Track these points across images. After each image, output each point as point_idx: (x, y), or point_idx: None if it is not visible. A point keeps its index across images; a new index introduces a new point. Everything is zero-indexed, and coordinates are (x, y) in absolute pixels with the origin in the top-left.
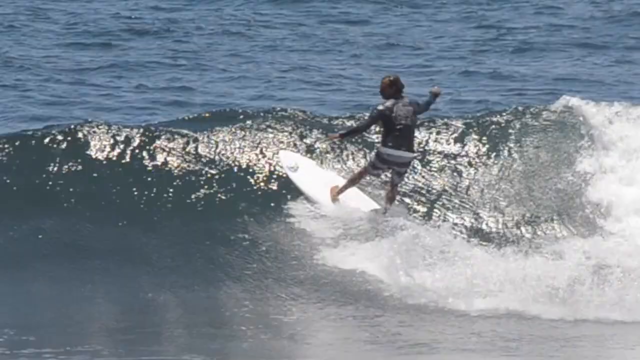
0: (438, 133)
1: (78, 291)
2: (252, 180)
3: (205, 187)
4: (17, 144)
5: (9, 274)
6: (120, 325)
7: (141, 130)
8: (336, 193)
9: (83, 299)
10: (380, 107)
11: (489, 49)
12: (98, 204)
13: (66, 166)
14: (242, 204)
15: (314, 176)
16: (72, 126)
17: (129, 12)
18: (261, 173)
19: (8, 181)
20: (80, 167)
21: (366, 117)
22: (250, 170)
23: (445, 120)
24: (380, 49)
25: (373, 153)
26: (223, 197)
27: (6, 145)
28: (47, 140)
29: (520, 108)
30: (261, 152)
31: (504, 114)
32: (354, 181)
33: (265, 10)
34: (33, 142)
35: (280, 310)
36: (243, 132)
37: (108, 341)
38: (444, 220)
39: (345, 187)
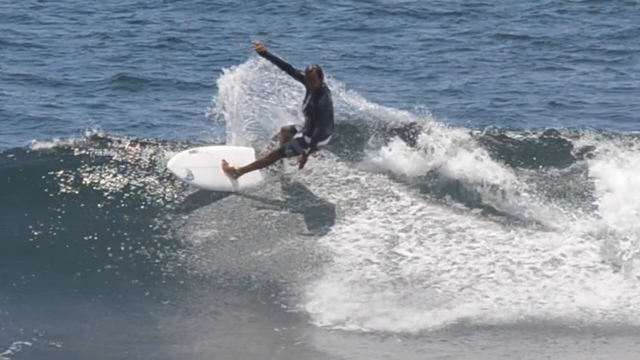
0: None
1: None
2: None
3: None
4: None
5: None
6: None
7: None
8: (240, 172)
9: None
10: (323, 102)
11: (518, 61)
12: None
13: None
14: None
15: (209, 169)
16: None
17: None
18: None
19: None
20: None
21: (318, 117)
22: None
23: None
24: (408, 61)
25: (292, 142)
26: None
27: None
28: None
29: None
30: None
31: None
32: (266, 164)
33: (287, 22)
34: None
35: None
36: None
37: None
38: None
39: (252, 169)
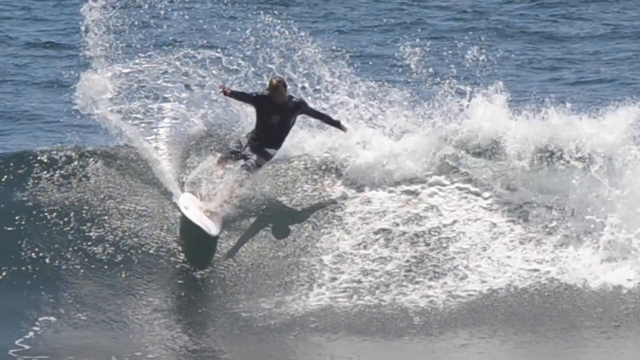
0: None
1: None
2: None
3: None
4: None
5: None
6: None
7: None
8: (221, 206)
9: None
10: (306, 103)
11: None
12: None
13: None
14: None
15: (205, 217)
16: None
17: None
18: None
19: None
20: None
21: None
22: None
23: None
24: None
25: (255, 159)
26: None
27: None
28: None
29: None
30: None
31: None
32: (238, 189)
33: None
34: None
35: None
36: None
37: None
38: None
39: (229, 200)
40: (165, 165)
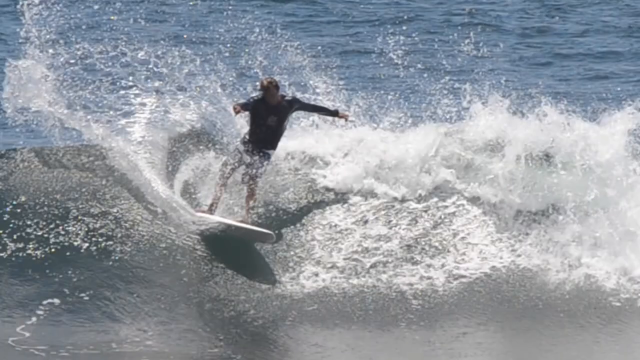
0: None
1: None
2: None
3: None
4: None
5: None
6: None
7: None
8: (248, 210)
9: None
10: (300, 101)
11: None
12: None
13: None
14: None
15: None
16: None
17: None
18: None
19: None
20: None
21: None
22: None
23: None
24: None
25: (258, 162)
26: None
27: None
28: None
29: None
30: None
31: None
32: (255, 193)
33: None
34: None
35: None
36: None
37: None
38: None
39: (252, 201)
40: (151, 175)
